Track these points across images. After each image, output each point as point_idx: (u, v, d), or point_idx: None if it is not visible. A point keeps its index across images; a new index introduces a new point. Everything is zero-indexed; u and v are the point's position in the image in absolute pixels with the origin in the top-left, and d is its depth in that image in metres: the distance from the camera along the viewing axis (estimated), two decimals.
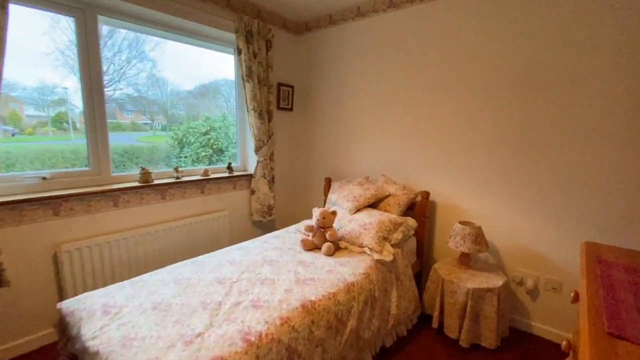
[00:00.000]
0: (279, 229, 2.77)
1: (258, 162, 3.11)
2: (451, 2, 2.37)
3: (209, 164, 3.12)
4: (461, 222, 2.30)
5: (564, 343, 0.76)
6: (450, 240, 2.28)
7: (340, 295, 1.70)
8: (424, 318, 2.35)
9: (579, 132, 1.96)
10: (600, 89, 1.87)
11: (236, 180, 3.10)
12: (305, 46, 3.40)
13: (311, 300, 1.58)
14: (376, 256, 2.08)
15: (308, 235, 2.34)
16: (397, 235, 2.26)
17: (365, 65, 2.94)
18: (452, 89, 2.44)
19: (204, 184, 2.84)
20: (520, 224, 2.24)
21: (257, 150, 3.07)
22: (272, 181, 3.25)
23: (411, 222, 2.38)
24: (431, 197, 2.59)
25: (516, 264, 2.29)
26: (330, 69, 3.21)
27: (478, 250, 2.17)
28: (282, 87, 3.32)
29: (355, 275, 1.87)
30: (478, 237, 2.17)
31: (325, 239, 2.22)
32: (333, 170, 3.32)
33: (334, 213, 2.28)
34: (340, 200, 2.61)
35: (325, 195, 3.18)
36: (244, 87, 2.91)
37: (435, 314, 2.21)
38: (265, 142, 3.09)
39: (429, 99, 2.57)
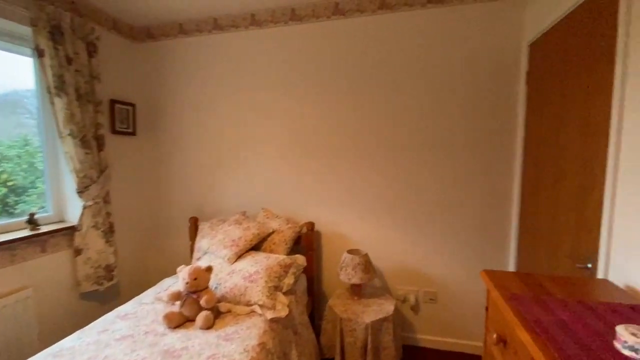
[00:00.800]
0: (127, 299, 1.99)
1: (84, 207, 2.21)
2: (314, 26, 2.34)
3: None
4: (349, 251, 2.22)
5: None
6: (342, 272, 2.15)
7: None
8: None
9: (435, 162, 2.22)
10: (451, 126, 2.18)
11: (46, 239, 2.08)
12: (149, 56, 2.72)
13: None
14: (269, 315, 1.70)
15: (173, 306, 1.74)
16: (289, 280, 1.96)
17: (230, 85, 2.57)
18: (324, 116, 2.38)
19: None
20: (396, 244, 2.35)
21: (81, 192, 2.17)
22: (109, 231, 2.38)
23: (300, 259, 2.13)
24: (315, 227, 2.43)
25: (398, 282, 2.38)
26: (189, 86, 2.66)
27: (369, 279, 2.12)
28: (117, 105, 2.52)
29: (247, 352, 1.43)
30: (367, 266, 2.12)
31: (200, 307, 1.68)
32: (199, 208, 2.73)
33: (208, 269, 1.77)
34: (215, 247, 2.10)
35: (192, 241, 2.55)
36: (52, 104, 2.02)
37: (338, 358, 2.00)
38: (94, 179, 2.23)
39: (304, 125, 2.44)
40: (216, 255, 2.08)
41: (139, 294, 2.54)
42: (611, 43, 1.17)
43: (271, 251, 2.19)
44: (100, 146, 2.31)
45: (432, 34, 2.15)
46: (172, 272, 2.45)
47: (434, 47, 2.15)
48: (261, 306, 1.75)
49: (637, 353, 0.68)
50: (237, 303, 1.80)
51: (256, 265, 1.92)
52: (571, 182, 1.45)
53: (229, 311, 1.77)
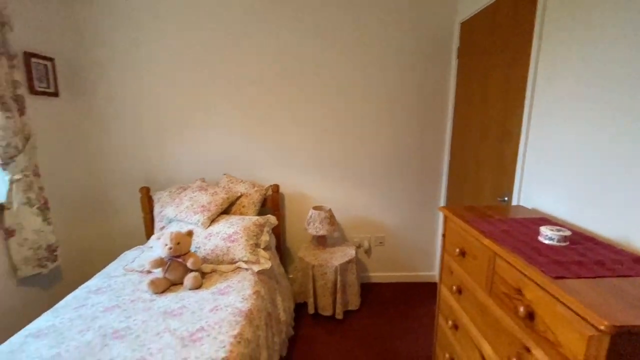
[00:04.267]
0: (71, 281, 1.86)
1: (11, 181, 1.89)
2: None
3: None
4: (314, 208, 2.43)
5: (521, 310, 0.93)
6: (309, 226, 2.37)
7: (246, 331, 1.38)
8: (296, 308, 2.36)
9: (383, 124, 2.52)
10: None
11: None
12: None
13: (223, 358, 1.18)
14: (256, 268, 1.83)
15: (149, 274, 1.73)
16: (265, 237, 2.09)
17: (171, 35, 2.34)
18: (285, 83, 2.43)
19: None
20: (352, 198, 2.65)
21: (5, 163, 1.85)
22: (45, 208, 2.09)
23: (272, 219, 2.26)
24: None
25: (354, 231, 2.72)
26: (121, 35, 2.34)
27: (333, 230, 2.39)
28: (33, 60, 2.11)
29: (247, 299, 1.57)
30: (331, 219, 2.38)
31: (187, 269, 1.71)
32: (148, 178, 2.55)
33: (189, 233, 1.78)
34: (184, 214, 2.07)
35: (146, 212, 2.42)
36: None
37: (311, 300, 2.27)
38: (20, 148, 1.91)
39: (260, 88, 2.44)
40: (186, 222, 2.06)
41: (83, 275, 2.38)
42: (530, 26, 1.54)
43: (241, 213, 2.26)
44: (22, 109, 1.94)
45: (381, 8, 2.34)
46: (122, 247, 2.32)
47: (383, 20, 2.35)
48: (246, 262, 1.86)
49: (552, 240, 1.06)
50: (220, 263, 1.88)
51: (233, 226, 1.99)
52: (493, 136, 1.89)
53: (213, 271, 1.83)
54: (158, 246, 1.77)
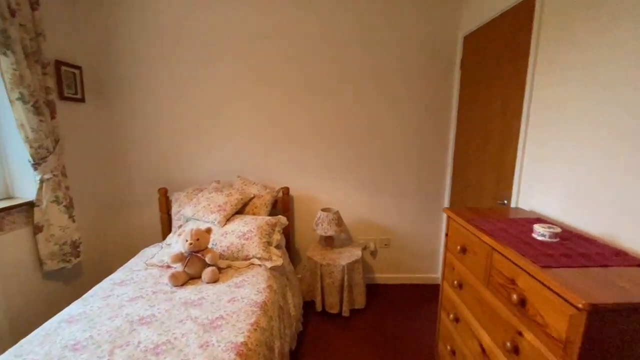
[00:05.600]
0: (91, 277, 1.99)
1: (42, 181, 2.03)
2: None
3: None
4: (323, 210, 2.55)
5: (514, 297, 1.04)
6: (318, 227, 2.48)
7: (262, 321, 1.49)
8: (304, 306, 2.47)
9: (389, 131, 2.65)
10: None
11: (2, 216, 1.89)
12: (95, 8, 2.45)
13: (242, 342, 1.29)
14: (269, 264, 1.95)
15: (169, 269, 1.85)
16: (277, 236, 2.20)
17: (198, 49, 2.51)
18: (296, 88, 2.58)
19: None
20: (358, 201, 2.77)
21: (37, 164, 2.00)
22: (70, 206, 2.23)
23: (283, 219, 2.37)
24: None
25: (360, 233, 2.83)
26: (142, 45, 2.50)
27: (340, 231, 2.51)
28: (63, 68, 2.27)
29: (261, 292, 1.68)
30: (339, 220, 2.50)
31: (205, 264, 1.83)
32: (165, 179, 2.69)
33: (208, 231, 1.90)
34: (201, 214, 2.19)
35: (163, 212, 2.55)
36: None
37: (318, 298, 2.37)
38: (50, 150, 2.06)
39: (273, 95, 2.59)
40: (203, 220, 2.18)
41: (103, 270, 2.51)
42: (527, 43, 1.67)
43: (254, 214, 2.38)
44: (52, 113, 2.10)
45: (391, 24, 2.49)
46: (140, 245, 2.46)
47: (393, 34, 2.50)
48: (259, 259, 1.98)
49: (544, 236, 1.17)
50: (235, 259, 1.99)
51: (247, 225, 2.11)
52: (494, 143, 2.00)
53: (229, 267, 1.95)
54: (178, 242, 1.89)
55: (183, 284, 1.77)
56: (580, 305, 0.79)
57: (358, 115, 2.63)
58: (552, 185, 1.51)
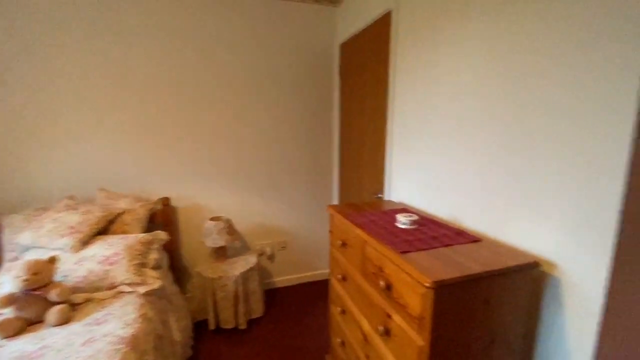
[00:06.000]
0: None
1: None
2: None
3: None
4: (211, 219, 2.36)
5: (381, 283, 1.13)
6: (207, 239, 2.28)
7: (129, 359, 1.25)
8: (195, 327, 2.24)
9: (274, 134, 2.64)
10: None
11: None
12: None
13: None
14: (143, 289, 1.67)
15: (3, 315, 1.41)
16: (154, 255, 1.92)
17: (50, 40, 2.00)
18: (172, 88, 2.31)
19: None
20: (253, 206, 2.68)
21: None
22: None
23: (162, 235, 2.08)
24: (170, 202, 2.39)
25: (256, 239, 2.74)
26: None
27: (233, 240, 2.36)
28: None
29: (130, 325, 1.42)
30: (231, 228, 2.35)
31: (47, 304, 1.44)
32: None
33: (52, 260, 1.51)
34: (46, 239, 1.74)
35: None
36: None
37: (211, 315, 2.18)
38: None
39: (145, 95, 2.26)
40: (50, 247, 1.74)
41: None
42: (387, 51, 1.87)
43: (124, 232, 2.02)
44: None
45: (269, 24, 2.47)
46: None
47: (272, 40, 2.49)
48: (130, 284, 1.68)
49: (405, 224, 1.31)
50: (97, 289, 1.65)
51: (112, 247, 1.77)
52: (369, 144, 2.20)
53: (88, 300, 1.59)
54: (8, 280, 1.45)
55: (17, 334, 1.36)
56: (427, 284, 0.89)
57: (244, 120, 2.53)
58: (413, 178, 1.72)
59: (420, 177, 1.66)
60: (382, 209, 1.63)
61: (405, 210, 1.59)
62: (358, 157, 2.38)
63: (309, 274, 2.95)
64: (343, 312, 1.59)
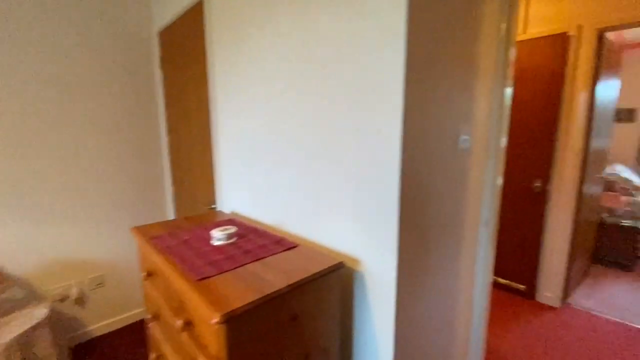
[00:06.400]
0: None
1: None
2: None
3: None
4: None
5: (178, 322, 0.88)
6: None
7: None
8: None
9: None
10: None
11: None
12: None
13: None
14: None
15: None
16: None
17: None
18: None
19: None
20: (48, 238, 1.96)
21: None
22: None
23: None
24: None
25: (51, 281, 2.02)
26: None
27: (2, 290, 1.64)
28: None
29: None
30: None
31: None
32: None
33: None
34: None
35: None
36: None
37: None
38: None
39: None
40: None
41: None
42: (204, 45, 1.65)
43: None
44: None
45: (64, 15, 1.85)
46: None
47: (70, 27, 1.88)
48: None
49: (220, 240, 1.13)
50: None
51: None
52: (197, 149, 1.92)
53: None
54: None
55: None
56: (216, 319, 0.71)
57: (37, 128, 1.81)
58: (243, 187, 1.56)
59: (249, 185, 1.51)
60: (205, 224, 1.40)
61: (231, 221, 1.41)
62: (190, 164, 2.07)
63: (136, 311, 2.39)
64: (158, 358, 1.27)
